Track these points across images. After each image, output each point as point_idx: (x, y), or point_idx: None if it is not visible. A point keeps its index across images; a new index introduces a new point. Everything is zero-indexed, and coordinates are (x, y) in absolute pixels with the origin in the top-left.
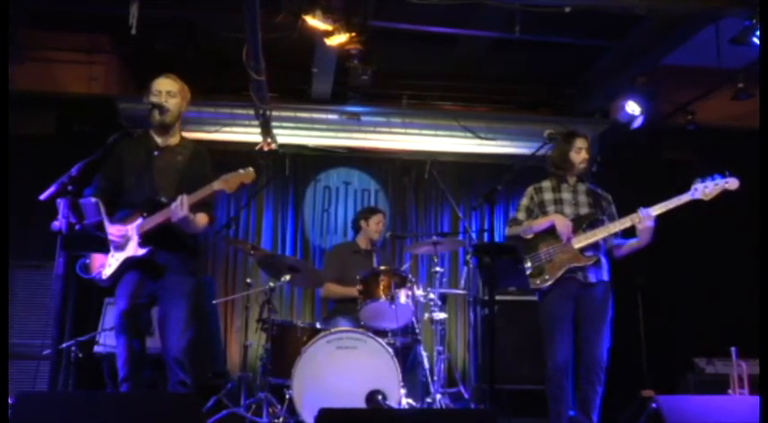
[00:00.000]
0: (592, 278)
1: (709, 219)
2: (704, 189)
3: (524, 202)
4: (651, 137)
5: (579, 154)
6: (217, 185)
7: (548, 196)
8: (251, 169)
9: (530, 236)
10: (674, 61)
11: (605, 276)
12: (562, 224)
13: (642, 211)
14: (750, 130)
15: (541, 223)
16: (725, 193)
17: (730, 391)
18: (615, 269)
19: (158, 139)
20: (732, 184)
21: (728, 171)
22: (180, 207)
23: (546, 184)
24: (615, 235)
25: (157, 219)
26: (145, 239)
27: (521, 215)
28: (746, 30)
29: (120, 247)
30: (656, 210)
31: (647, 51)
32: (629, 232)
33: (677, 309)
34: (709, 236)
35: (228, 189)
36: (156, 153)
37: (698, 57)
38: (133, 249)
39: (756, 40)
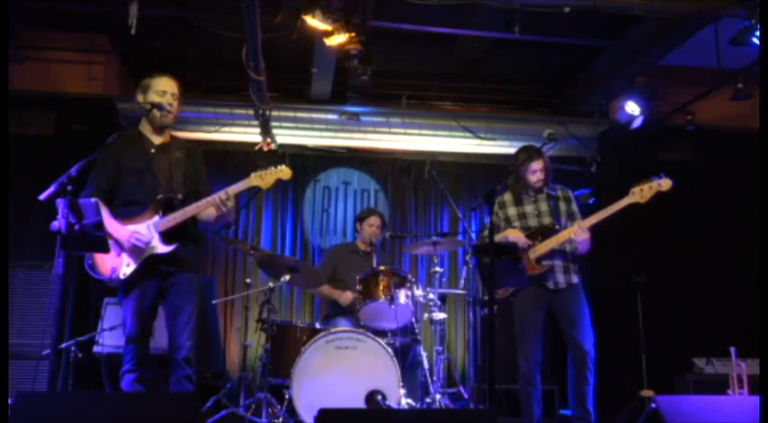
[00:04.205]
0: (562, 284)
1: (710, 219)
2: (639, 191)
3: (491, 218)
4: (651, 137)
5: (534, 175)
6: (254, 181)
7: (511, 211)
8: (285, 167)
9: None
10: (673, 61)
11: (574, 279)
12: (515, 237)
13: (576, 223)
14: (750, 130)
15: (499, 238)
16: (721, 194)
17: (730, 391)
18: (615, 269)
19: (153, 138)
20: (665, 184)
21: (663, 173)
22: (229, 200)
23: (507, 197)
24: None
25: (179, 217)
26: (166, 237)
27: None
28: (746, 30)
29: (136, 251)
30: (588, 221)
31: (647, 51)
32: None
33: (676, 309)
34: (709, 236)
35: (264, 185)
36: (152, 151)
37: (697, 57)
38: (157, 247)
39: (756, 40)
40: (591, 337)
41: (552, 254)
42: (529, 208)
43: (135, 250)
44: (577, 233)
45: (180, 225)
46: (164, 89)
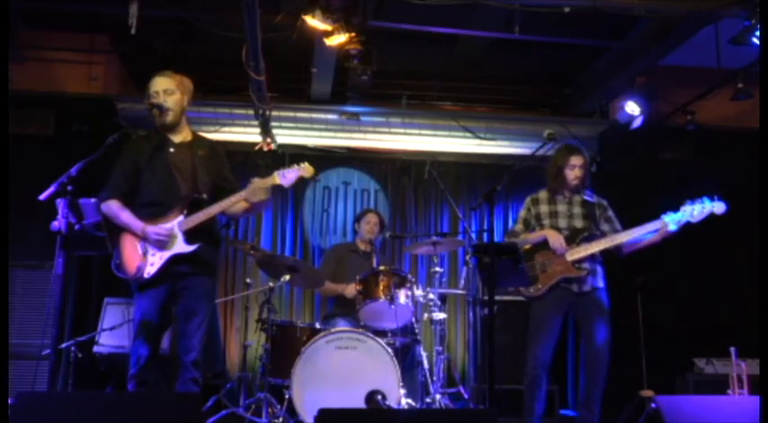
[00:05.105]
0: (586, 287)
1: (709, 219)
2: (692, 211)
3: (522, 213)
4: (651, 137)
5: (573, 171)
6: (278, 179)
7: (544, 209)
8: (307, 164)
9: (527, 247)
10: (673, 61)
11: (600, 283)
12: (554, 239)
13: (666, 218)
14: (750, 130)
15: (535, 237)
16: (721, 195)
17: (730, 391)
18: (615, 269)
19: (171, 137)
20: (718, 208)
21: (717, 196)
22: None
23: (542, 194)
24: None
25: (202, 217)
26: (190, 236)
27: (518, 227)
28: (746, 30)
29: (162, 245)
30: (672, 225)
31: (647, 52)
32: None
33: (677, 309)
34: (709, 236)
35: (286, 183)
36: (171, 150)
37: (697, 57)
38: (180, 246)
39: (756, 40)
40: (610, 342)
41: (590, 257)
42: (561, 207)
43: (159, 245)
44: (667, 226)
45: (202, 225)
46: (155, 89)
